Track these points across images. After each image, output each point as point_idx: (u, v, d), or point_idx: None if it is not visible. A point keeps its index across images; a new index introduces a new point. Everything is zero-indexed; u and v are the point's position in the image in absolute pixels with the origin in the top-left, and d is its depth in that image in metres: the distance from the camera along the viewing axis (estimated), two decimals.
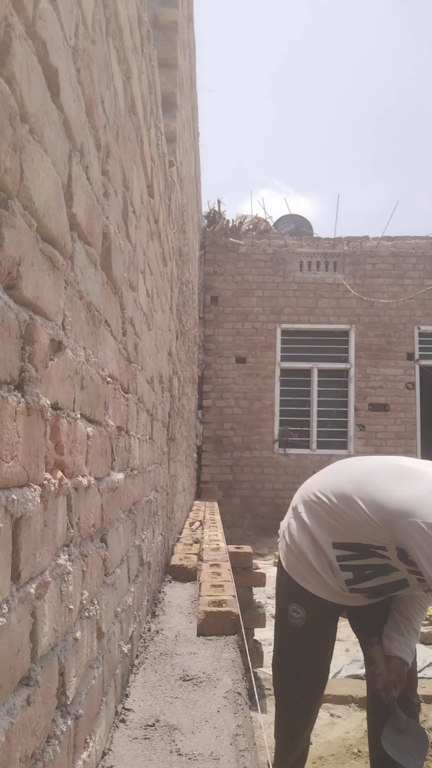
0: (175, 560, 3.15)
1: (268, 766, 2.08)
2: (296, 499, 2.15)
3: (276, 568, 2.27)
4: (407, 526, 1.63)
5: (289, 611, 2.10)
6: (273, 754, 2.22)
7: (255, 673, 3.25)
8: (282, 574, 2.16)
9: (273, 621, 2.35)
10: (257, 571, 4.04)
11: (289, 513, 2.16)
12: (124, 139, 1.53)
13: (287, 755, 2.21)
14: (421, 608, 2.02)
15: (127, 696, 1.56)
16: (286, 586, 2.13)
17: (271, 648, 2.57)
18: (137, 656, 1.85)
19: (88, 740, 1.10)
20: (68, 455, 0.98)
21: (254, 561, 4.15)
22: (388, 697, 1.93)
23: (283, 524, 2.20)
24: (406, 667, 1.94)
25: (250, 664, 1.59)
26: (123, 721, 1.42)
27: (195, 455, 8.30)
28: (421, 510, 1.63)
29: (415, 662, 2.04)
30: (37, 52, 0.78)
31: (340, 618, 2.19)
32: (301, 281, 9.40)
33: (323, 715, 3.28)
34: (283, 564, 2.13)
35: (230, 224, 9.73)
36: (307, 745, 2.31)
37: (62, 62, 0.89)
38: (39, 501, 0.81)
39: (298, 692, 2.14)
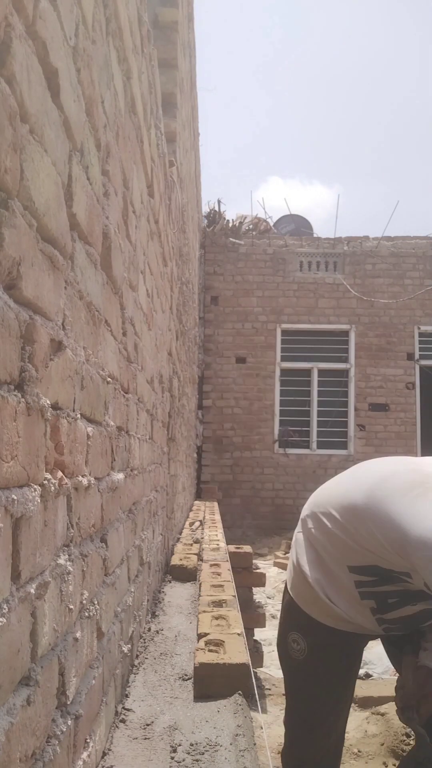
0: (175, 560, 3.15)
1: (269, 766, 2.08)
2: (306, 510, 1.71)
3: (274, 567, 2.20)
4: (428, 561, 1.24)
5: (288, 641, 1.70)
6: (273, 754, 2.19)
7: (255, 673, 3.25)
8: (285, 593, 1.79)
9: (272, 621, 2.26)
10: (257, 571, 4.04)
11: (299, 526, 1.75)
12: (124, 139, 1.53)
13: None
14: None
15: (127, 696, 1.56)
16: (287, 610, 1.74)
17: (272, 648, 2.54)
18: (137, 656, 1.85)
19: (88, 740, 1.10)
20: (68, 455, 0.98)
21: (254, 561, 4.15)
22: (404, 716, 1.52)
23: (294, 539, 1.79)
24: (429, 675, 1.50)
25: (250, 664, 1.58)
26: (123, 721, 1.42)
27: (195, 455, 8.29)
28: None
29: None
30: (37, 52, 0.78)
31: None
32: (301, 281, 9.40)
33: None
34: (288, 585, 1.76)
35: (230, 224, 9.73)
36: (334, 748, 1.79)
37: (62, 62, 0.89)
38: (39, 501, 0.81)
39: (309, 742, 1.71)
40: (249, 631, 3.71)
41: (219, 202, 9.94)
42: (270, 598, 5.44)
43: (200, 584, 2.63)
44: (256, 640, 3.78)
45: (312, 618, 1.63)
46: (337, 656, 1.65)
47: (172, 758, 1.22)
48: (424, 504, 1.29)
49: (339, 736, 1.76)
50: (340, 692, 1.69)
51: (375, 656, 4.15)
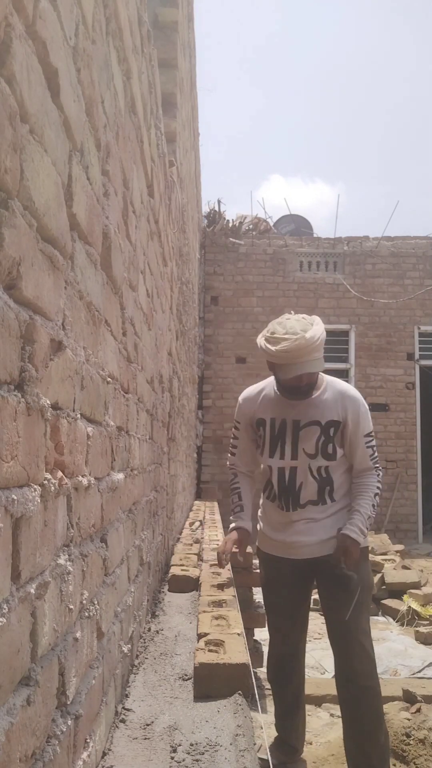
0: (175, 561, 3.15)
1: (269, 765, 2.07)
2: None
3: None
4: None
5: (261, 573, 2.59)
6: (271, 754, 2.23)
7: (255, 673, 3.25)
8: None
9: None
10: (257, 571, 4.03)
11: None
12: (124, 139, 1.53)
13: (280, 705, 2.59)
14: (359, 494, 2.32)
15: (127, 696, 1.56)
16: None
17: None
18: (137, 656, 1.85)
19: (88, 740, 1.10)
20: (68, 455, 0.98)
21: (254, 561, 4.14)
22: (338, 568, 2.19)
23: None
24: (348, 540, 2.18)
25: (250, 664, 1.58)
26: (123, 721, 1.42)
27: (195, 455, 8.29)
28: None
29: (366, 548, 2.31)
30: (37, 52, 0.78)
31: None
32: (301, 281, 9.40)
33: (323, 715, 3.28)
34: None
35: (230, 224, 9.72)
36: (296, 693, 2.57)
37: (62, 62, 0.89)
38: (39, 501, 0.81)
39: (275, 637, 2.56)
40: (249, 631, 3.70)
41: (219, 202, 9.95)
42: None
43: (200, 584, 2.63)
44: (256, 640, 3.77)
45: (260, 549, 2.57)
46: (264, 570, 2.53)
47: (172, 758, 1.22)
48: None
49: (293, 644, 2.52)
50: (272, 599, 2.50)
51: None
